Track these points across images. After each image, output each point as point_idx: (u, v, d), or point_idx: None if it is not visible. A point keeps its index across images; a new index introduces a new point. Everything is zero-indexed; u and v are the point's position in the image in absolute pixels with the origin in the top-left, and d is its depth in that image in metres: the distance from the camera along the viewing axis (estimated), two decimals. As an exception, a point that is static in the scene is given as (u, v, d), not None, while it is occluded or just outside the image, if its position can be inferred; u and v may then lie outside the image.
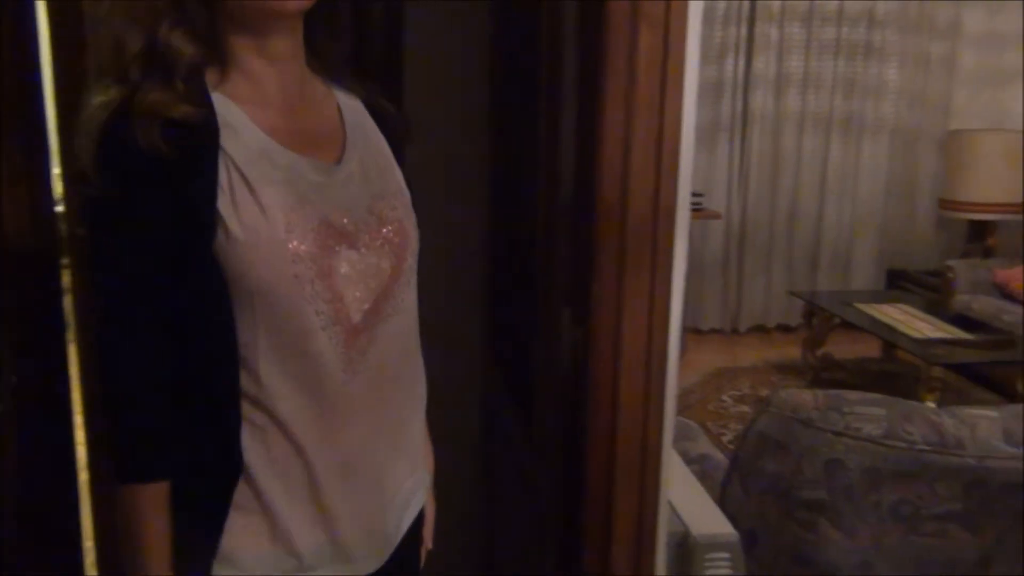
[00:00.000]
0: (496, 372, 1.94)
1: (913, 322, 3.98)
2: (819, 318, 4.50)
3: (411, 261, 1.03)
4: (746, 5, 5.15)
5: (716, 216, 5.08)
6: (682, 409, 4.11)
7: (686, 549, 1.37)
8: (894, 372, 4.43)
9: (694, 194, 4.89)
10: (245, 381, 0.93)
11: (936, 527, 1.53)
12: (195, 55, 0.90)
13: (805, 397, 1.59)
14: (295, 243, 0.90)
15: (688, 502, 1.53)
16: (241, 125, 0.91)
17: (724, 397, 4.30)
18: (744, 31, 5.21)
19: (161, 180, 0.86)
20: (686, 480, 1.58)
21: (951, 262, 4.80)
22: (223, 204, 0.88)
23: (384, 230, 0.99)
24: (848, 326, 4.32)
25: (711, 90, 5.23)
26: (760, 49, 5.22)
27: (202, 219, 0.88)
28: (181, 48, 0.88)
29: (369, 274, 0.97)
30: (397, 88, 1.83)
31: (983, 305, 4.45)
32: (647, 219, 1.05)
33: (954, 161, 5.12)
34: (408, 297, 1.04)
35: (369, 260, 0.97)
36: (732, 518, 1.58)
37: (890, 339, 3.96)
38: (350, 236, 0.95)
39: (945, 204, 5.22)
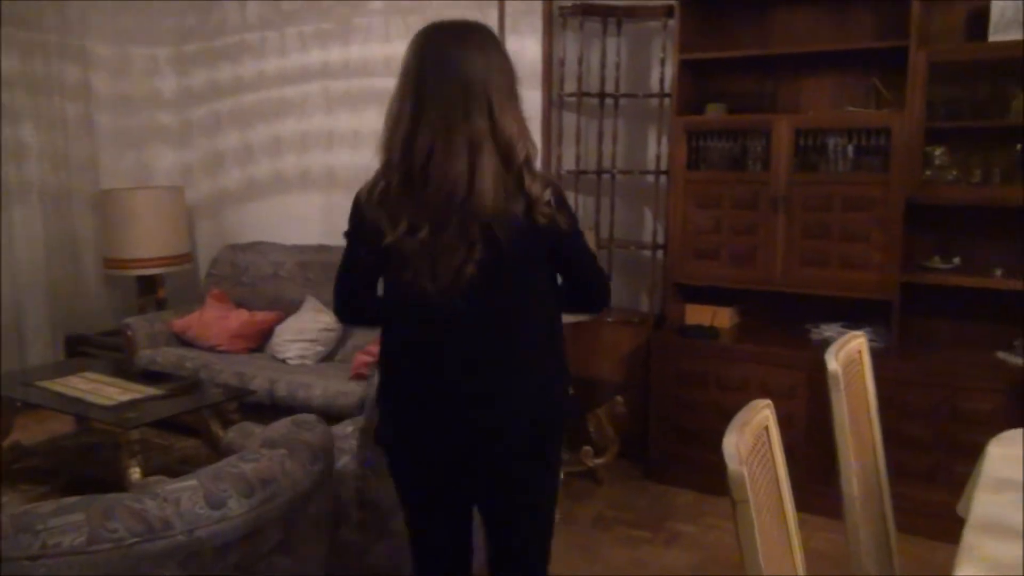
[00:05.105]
0: None
1: (102, 389, 3.86)
2: (2, 405, 4.04)
3: None
4: None
5: None
6: None
7: None
8: (94, 443, 4.22)
9: None
10: None
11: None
12: None
13: (-13, 528, 1.35)
14: None
15: None
16: None
17: None
18: None
19: None
20: None
21: (128, 320, 4.82)
22: None
23: None
24: (35, 406, 3.98)
25: None
26: None
27: None
28: None
29: None
30: None
31: (166, 356, 4.60)
32: None
33: (110, 220, 5.15)
34: None
35: None
36: None
37: (83, 412, 3.77)
38: None
39: (110, 263, 5.22)
